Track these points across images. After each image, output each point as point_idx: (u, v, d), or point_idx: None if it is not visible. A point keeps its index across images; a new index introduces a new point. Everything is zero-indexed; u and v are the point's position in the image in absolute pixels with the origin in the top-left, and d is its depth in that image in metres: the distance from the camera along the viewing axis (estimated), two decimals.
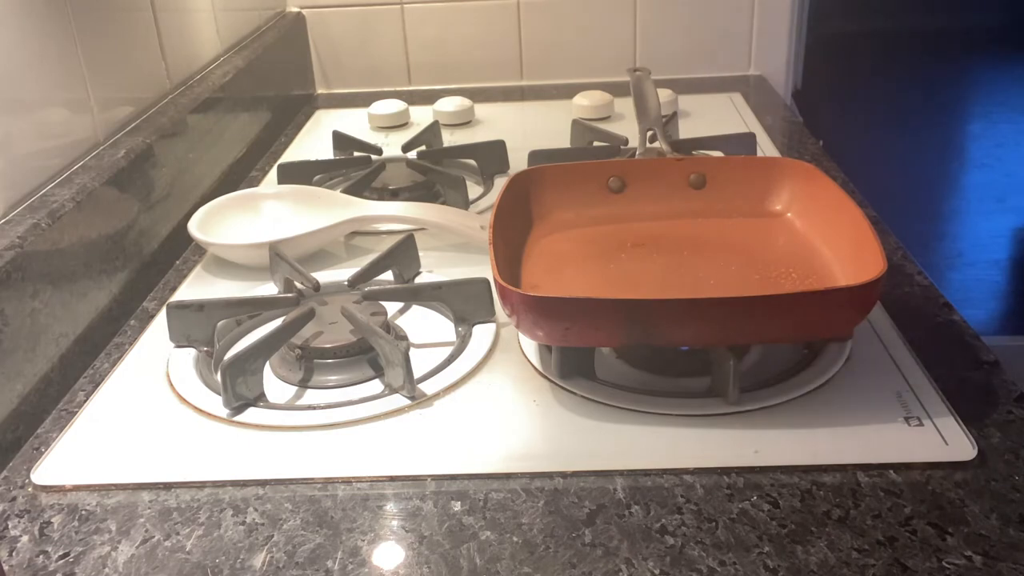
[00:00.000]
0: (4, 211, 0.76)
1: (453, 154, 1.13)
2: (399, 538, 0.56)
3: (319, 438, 0.65)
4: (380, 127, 1.30)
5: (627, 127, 1.12)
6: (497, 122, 1.30)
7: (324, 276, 0.82)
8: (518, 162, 1.07)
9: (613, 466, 0.61)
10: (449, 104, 1.29)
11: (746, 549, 0.54)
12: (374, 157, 1.13)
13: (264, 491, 0.61)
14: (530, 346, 0.73)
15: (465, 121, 1.29)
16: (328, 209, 0.93)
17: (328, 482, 0.61)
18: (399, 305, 0.82)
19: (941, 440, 0.61)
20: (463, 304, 0.77)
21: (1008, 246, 2.76)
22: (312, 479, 0.62)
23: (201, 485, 0.62)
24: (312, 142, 1.28)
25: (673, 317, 0.63)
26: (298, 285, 0.81)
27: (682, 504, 0.57)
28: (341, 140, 1.18)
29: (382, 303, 0.78)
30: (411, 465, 0.62)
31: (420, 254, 0.86)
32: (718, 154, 1.03)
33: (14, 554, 0.57)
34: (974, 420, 0.63)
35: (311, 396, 0.70)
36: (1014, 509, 0.55)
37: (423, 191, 1.04)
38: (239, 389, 0.68)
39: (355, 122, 1.32)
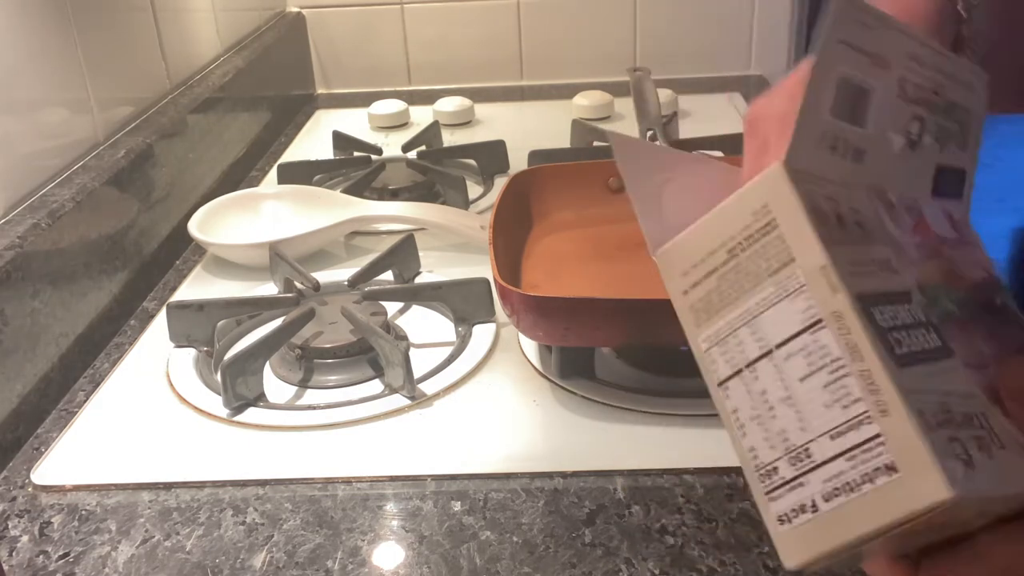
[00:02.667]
0: (4, 211, 0.76)
1: (453, 154, 1.13)
2: (399, 538, 0.56)
3: (319, 438, 0.65)
4: (380, 127, 1.30)
5: (627, 127, 1.12)
6: (497, 122, 1.30)
7: (324, 276, 0.82)
8: (518, 162, 1.07)
9: (613, 466, 0.61)
10: (449, 104, 1.29)
11: (746, 549, 0.54)
12: (374, 157, 1.13)
13: (264, 491, 0.61)
14: (530, 346, 0.73)
15: (465, 121, 1.29)
16: (328, 209, 0.93)
17: (328, 482, 0.61)
18: (399, 305, 0.82)
19: None
20: (463, 304, 0.77)
21: (1008, 246, 2.75)
22: (312, 479, 0.62)
23: (201, 485, 0.62)
24: (312, 142, 1.28)
25: (673, 317, 0.63)
26: (298, 285, 0.81)
27: (682, 504, 0.57)
28: (341, 140, 1.18)
29: (382, 303, 0.78)
30: (411, 465, 0.62)
31: (420, 254, 0.86)
32: (718, 154, 1.03)
33: (14, 554, 0.57)
34: None
35: (311, 396, 0.70)
36: None
37: (423, 191, 1.04)
38: (239, 389, 0.68)
39: (355, 122, 1.32)
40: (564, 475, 0.60)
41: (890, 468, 0.29)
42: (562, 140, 1.16)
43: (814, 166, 0.33)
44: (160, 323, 0.80)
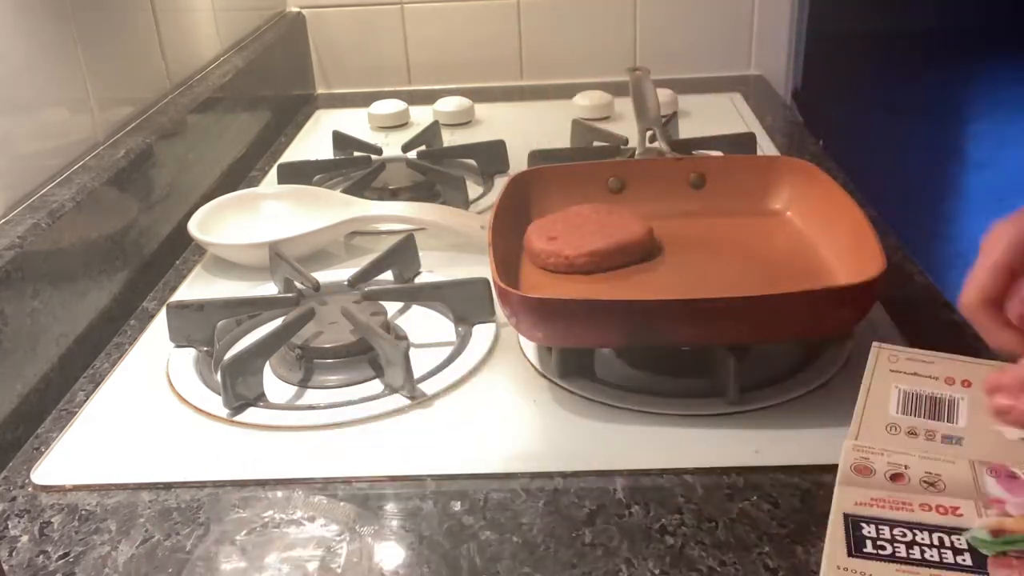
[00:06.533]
0: (4, 211, 0.76)
1: (453, 154, 1.13)
2: (399, 538, 0.56)
3: (319, 438, 0.65)
4: (380, 127, 1.30)
5: (627, 127, 1.12)
6: (497, 122, 1.30)
7: (324, 276, 0.82)
8: (518, 162, 1.07)
9: (613, 466, 0.61)
10: (449, 104, 1.29)
11: (746, 549, 0.54)
12: (374, 157, 1.13)
13: (264, 491, 0.61)
14: (530, 346, 0.73)
15: (465, 121, 1.29)
16: (328, 209, 0.93)
17: (328, 482, 0.61)
18: (399, 305, 0.82)
19: None
20: (463, 304, 0.77)
21: None
22: (312, 479, 0.62)
23: (201, 485, 0.62)
24: (312, 142, 1.28)
25: (673, 317, 0.63)
26: (298, 285, 0.81)
27: (682, 504, 0.57)
28: (341, 140, 1.18)
29: (382, 303, 0.78)
30: (411, 465, 0.62)
31: (420, 254, 0.86)
32: (718, 154, 1.03)
33: (14, 554, 0.57)
34: None
35: (311, 396, 0.70)
36: None
37: (423, 191, 1.04)
38: (239, 389, 0.68)
39: (355, 122, 1.32)
40: (564, 475, 0.60)
41: None
42: (562, 140, 1.16)
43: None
44: (160, 323, 0.80)
